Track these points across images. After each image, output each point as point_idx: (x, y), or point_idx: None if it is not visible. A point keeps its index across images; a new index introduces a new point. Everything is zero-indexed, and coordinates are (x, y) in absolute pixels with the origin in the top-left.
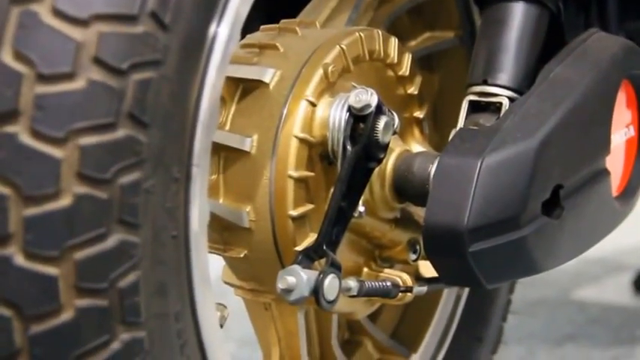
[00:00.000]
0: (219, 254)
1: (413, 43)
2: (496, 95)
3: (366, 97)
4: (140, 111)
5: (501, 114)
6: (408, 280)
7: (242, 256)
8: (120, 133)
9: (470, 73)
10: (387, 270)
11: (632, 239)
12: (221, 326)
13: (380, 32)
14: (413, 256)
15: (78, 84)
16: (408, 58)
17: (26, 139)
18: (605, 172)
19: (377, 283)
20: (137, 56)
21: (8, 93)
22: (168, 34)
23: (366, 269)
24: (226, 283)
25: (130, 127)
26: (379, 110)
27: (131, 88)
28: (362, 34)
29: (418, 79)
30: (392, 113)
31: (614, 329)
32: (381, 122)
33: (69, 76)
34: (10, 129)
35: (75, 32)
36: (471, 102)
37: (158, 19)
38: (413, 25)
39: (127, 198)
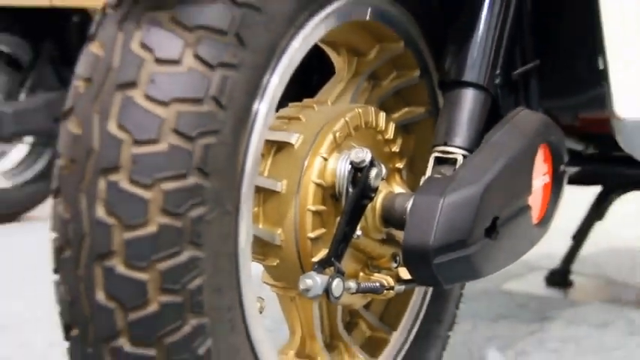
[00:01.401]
0: (260, 263)
1: (396, 115)
2: (454, 153)
3: (363, 154)
4: (204, 165)
5: (457, 166)
6: (391, 281)
7: (275, 264)
8: (190, 180)
9: (435, 136)
10: (376, 274)
11: (545, 247)
12: (260, 312)
13: (373, 108)
14: (394, 265)
15: (161, 146)
16: (392, 126)
17: (125, 185)
18: (527, 208)
19: (369, 284)
20: (202, 127)
21: (113, 153)
22: (225, 111)
23: (361, 274)
24: (265, 282)
25: (197, 176)
26: (372, 164)
27: (198, 150)
28: (360, 110)
29: (399, 141)
30: (381, 165)
31: (533, 311)
32: (373, 172)
33: (155, 141)
34: (115, 178)
35: (159, 110)
36: (436, 157)
37: (217, 101)
38: (396, 103)
39: (194, 226)
